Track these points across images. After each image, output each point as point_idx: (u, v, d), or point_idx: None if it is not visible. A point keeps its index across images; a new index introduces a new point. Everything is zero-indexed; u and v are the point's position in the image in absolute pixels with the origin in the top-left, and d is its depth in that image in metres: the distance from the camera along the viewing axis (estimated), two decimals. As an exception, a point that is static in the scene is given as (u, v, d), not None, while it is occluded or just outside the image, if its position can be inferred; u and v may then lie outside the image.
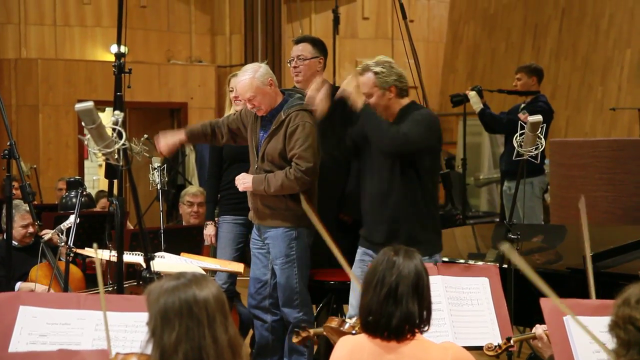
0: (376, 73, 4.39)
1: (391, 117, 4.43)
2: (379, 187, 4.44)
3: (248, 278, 5.15)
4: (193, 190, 6.48)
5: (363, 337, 2.84)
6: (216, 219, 5.66)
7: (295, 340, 3.51)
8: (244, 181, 4.87)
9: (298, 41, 5.24)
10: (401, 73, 4.47)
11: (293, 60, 5.19)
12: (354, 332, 3.17)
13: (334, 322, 3.36)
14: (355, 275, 4.54)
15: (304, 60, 5.14)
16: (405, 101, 4.47)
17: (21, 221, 5.55)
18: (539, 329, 3.25)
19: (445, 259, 5.03)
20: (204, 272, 3.45)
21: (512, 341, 3.33)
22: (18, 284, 5.31)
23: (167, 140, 4.92)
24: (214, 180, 5.66)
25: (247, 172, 4.95)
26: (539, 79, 7.56)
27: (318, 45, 5.21)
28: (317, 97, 4.51)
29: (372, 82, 4.39)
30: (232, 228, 5.55)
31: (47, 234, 5.26)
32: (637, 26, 10.87)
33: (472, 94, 7.26)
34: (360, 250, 4.60)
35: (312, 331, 3.49)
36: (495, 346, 3.36)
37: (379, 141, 4.34)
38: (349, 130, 4.59)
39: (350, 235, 5.63)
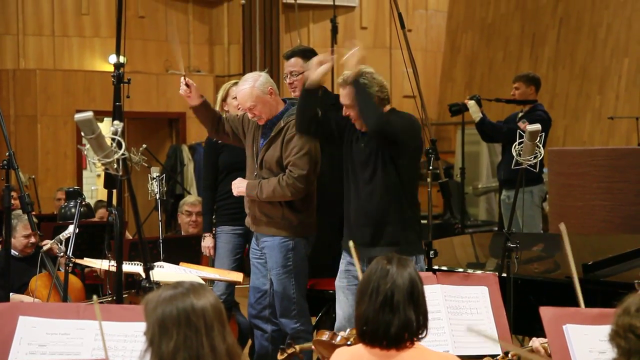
0: None
1: None
2: (362, 190, 4.46)
3: (247, 287, 5.15)
4: (191, 200, 6.48)
5: (360, 348, 2.83)
6: (214, 229, 5.66)
7: (280, 357, 3.46)
8: (238, 185, 4.89)
9: (288, 56, 5.23)
10: (382, 83, 4.48)
11: (287, 76, 5.22)
12: (349, 343, 3.15)
13: (324, 336, 3.31)
14: (341, 286, 4.55)
15: (297, 75, 5.14)
16: (386, 109, 4.48)
17: (23, 231, 5.55)
18: (535, 342, 3.26)
19: (444, 268, 5.04)
20: (202, 282, 3.44)
21: (510, 355, 3.32)
22: (11, 295, 5.30)
23: (193, 90, 4.89)
24: (209, 191, 5.65)
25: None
26: (536, 88, 7.58)
27: (308, 55, 5.22)
28: (315, 68, 4.48)
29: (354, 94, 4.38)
30: (231, 239, 5.55)
31: (47, 244, 5.26)
32: (634, 35, 10.90)
33: (471, 103, 7.28)
34: (344, 261, 4.59)
35: (298, 347, 3.45)
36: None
37: (364, 115, 4.35)
38: (334, 114, 4.59)
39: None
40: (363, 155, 4.46)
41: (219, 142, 5.43)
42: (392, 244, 4.39)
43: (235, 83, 5.47)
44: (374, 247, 4.37)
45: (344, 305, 4.53)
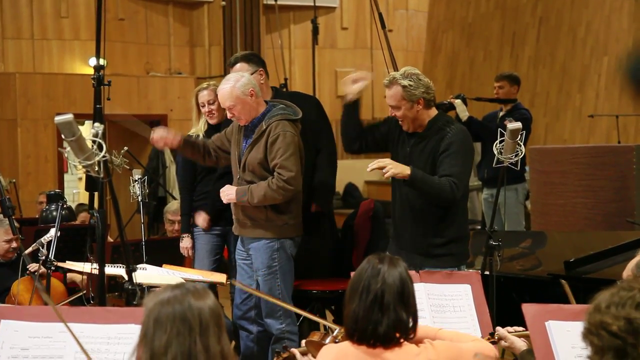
0: (404, 86, 4.39)
1: (420, 127, 4.48)
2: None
3: (228, 287, 5.15)
4: (173, 208, 6.49)
5: (347, 345, 2.84)
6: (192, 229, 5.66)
7: None
8: (227, 193, 4.87)
9: (232, 64, 5.24)
10: (428, 84, 4.48)
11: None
12: (337, 341, 3.17)
13: (315, 336, 3.33)
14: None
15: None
16: (433, 112, 4.51)
17: (5, 236, 5.52)
18: (500, 330, 3.29)
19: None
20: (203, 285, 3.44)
21: (495, 336, 3.34)
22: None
23: (166, 133, 4.92)
24: (186, 193, 5.65)
25: (229, 183, 4.96)
26: (519, 87, 7.65)
27: (253, 59, 5.24)
28: (350, 84, 4.57)
29: (400, 95, 4.40)
30: (209, 239, 5.54)
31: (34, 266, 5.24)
32: (613, 34, 10.97)
33: (458, 102, 7.26)
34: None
35: (293, 350, 3.47)
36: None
37: (439, 199, 4.41)
38: (378, 126, 4.71)
39: (341, 243, 5.66)
40: (408, 159, 4.49)
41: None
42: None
43: (204, 88, 5.52)
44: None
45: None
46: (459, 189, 4.37)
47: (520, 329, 3.29)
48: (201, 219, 5.49)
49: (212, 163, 5.15)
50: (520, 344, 3.24)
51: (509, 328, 3.33)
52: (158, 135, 4.93)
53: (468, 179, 4.53)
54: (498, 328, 3.33)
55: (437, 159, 4.41)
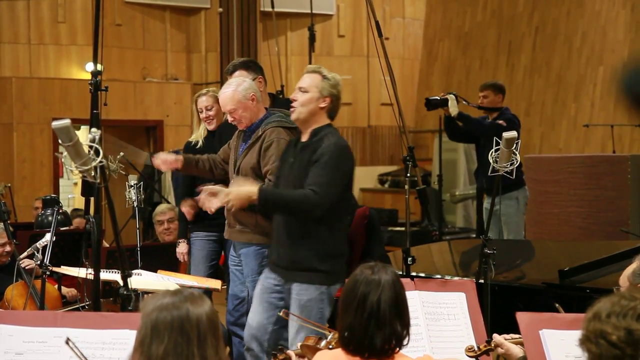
0: (324, 76, 4.33)
1: (306, 135, 4.39)
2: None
3: (223, 294, 5.14)
4: (161, 209, 6.50)
5: (340, 352, 2.83)
6: (189, 235, 5.66)
7: None
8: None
9: (230, 71, 5.21)
10: (340, 93, 4.39)
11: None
12: (330, 347, 3.18)
13: (310, 341, 3.36)
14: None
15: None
16: (324, 122, 4.38)
17: (-1, 239, 5.53)
18: (497, 337, 3.30)
19: (422, 275, 5.06)
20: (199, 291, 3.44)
21: (492, 344, 3.35)
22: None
23: (167, 156, 4.95)
24: (185, 198, 5.66)
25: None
26: (503, 96, 7.61)
27: (251, 67, 5.24)
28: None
29: (318, 80, 4.33)
30: (205, 245, 5.55)
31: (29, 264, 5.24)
32: (609, 44, 11.01)
33: (451, 96, 7.20)
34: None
35: (289, 352, 3.48)
36: (477, 348, 3.39)
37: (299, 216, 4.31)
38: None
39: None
40: (289, 170, 4.44)
41: (196, 148, 5.47)
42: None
43: (203, 94, 5.54)
44: None
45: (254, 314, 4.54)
46: (321, 199, 4.17)
47: (517, 336, 3.30)
48: (187, 206, 5.49)
49: (220, 175, 5.13)
50: (517, 351, 3.24)
51: (505, 335, 3.33)
52: (160, 159, 4.92)
53: (335, 192, 4.23)
54: (495, 335, 3.34)
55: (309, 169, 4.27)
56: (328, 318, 4.37)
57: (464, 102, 7.36)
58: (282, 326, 4.41)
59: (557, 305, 3.46)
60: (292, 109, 4.39)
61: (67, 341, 2.69)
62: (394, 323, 2.77)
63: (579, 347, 2.26)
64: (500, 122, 7.12)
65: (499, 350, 3.32)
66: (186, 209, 5.53)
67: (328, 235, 4.29)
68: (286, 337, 4.62)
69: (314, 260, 4.27)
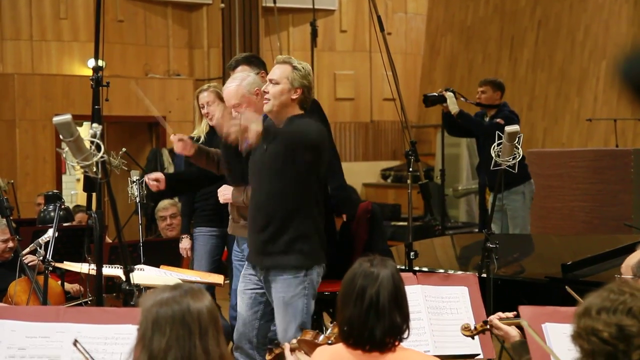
0: (294, 67, 4.28)
1: (280, 122, 4.37)
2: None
3: (227, 289, 5.14)
4: (163, 205, 6.51)
5: (341, 347, 2.83)
6: (192, 230, 5.67)
7: (268, 357, 3.48)
8: (224, 192, 4.87)
9: (233, 66, 5.20)
10: (310, 84, 4.35)
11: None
12: (329, 342, 3.17)
13: (308, 335, 3.33)
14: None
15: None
16: (297, 112, 4.34)
17: (2, 235, 5.53)
18: (494, 320, 3.28)
19: (425, 269, 5.06)
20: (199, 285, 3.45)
21: (487, 325, 3.34)
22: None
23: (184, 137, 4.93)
24: (188, 194, 5.67)
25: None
26: (502, 94, 7.57)
27: (254, 61, 5.23)
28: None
29: (288, 71, 4.28)
30: (208, 240, 5.55)
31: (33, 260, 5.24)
32: (612, 38, 10.99)
33: (449, 95, 7.20)
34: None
35: (284, 345, 3.47)
36: (472, 328, 3.37)
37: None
38: None
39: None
40: (261, 160, 4.43)
41: (198, 143, 5.46)
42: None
43: (204, 90, 5.53)
44: None
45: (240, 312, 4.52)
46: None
47: (512, 314, 3.27)
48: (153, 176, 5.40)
49: (222, 172, 5.13)
50: (514, 333, 3.22)
51: (500, 313, 3.30)
52: (179, 136, 4.90)
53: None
54: (491, 317, 3.31)
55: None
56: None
57: (461, 99, 7.35)
58: (268, 320, 4.40)
59: (568, 288, 3.42)
60: (265, 101, 4.35)
61: (75, 343, 2.70)
62: (393, 315, 2.76)
63: (571, 342, 2.25)
64: (499, 120, 7.08)
65: (496, 331, 3.29)
66: (184, 247, 5.57)
67: (302, 218, 4.21)
68: (274, 330, 4.65)
69: (288, 243, 4.19)
